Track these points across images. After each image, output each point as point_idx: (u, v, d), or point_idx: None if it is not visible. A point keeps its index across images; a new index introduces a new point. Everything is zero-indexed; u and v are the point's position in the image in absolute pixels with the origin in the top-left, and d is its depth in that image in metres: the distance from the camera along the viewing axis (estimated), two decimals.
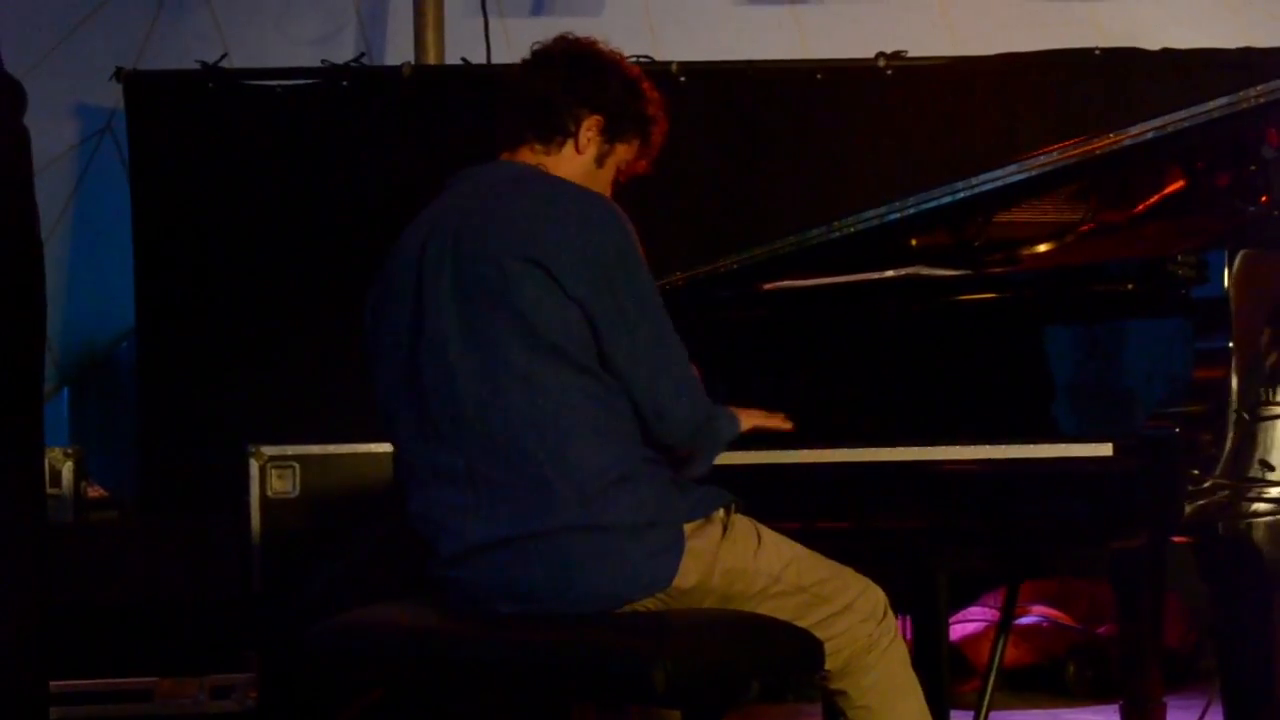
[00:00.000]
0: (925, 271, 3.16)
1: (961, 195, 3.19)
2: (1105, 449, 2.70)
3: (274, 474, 4.39)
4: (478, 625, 2.59)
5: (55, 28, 5.63)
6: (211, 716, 4.35)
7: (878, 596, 2.72)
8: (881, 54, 5.45)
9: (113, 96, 5.54)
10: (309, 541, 4.36)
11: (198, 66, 5.45)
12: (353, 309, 2.87)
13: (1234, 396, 2.73)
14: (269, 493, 4.39)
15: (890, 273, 3.17)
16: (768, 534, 2.70)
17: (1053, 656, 4.88)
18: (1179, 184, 3.31)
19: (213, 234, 5.41)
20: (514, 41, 5.52)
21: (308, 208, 5.41)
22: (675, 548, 2.57)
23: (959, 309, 3.13)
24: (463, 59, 5.60)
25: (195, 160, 5.44)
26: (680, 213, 5.35)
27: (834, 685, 2.70)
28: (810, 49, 5.68)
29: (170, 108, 5.45)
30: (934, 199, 3.21)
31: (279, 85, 5.50)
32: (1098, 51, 5.43)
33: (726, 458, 2.78)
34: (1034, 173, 3.13)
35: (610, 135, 2.80)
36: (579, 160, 2.79)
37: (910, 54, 5.47)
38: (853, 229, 3.29)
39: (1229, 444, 2.72)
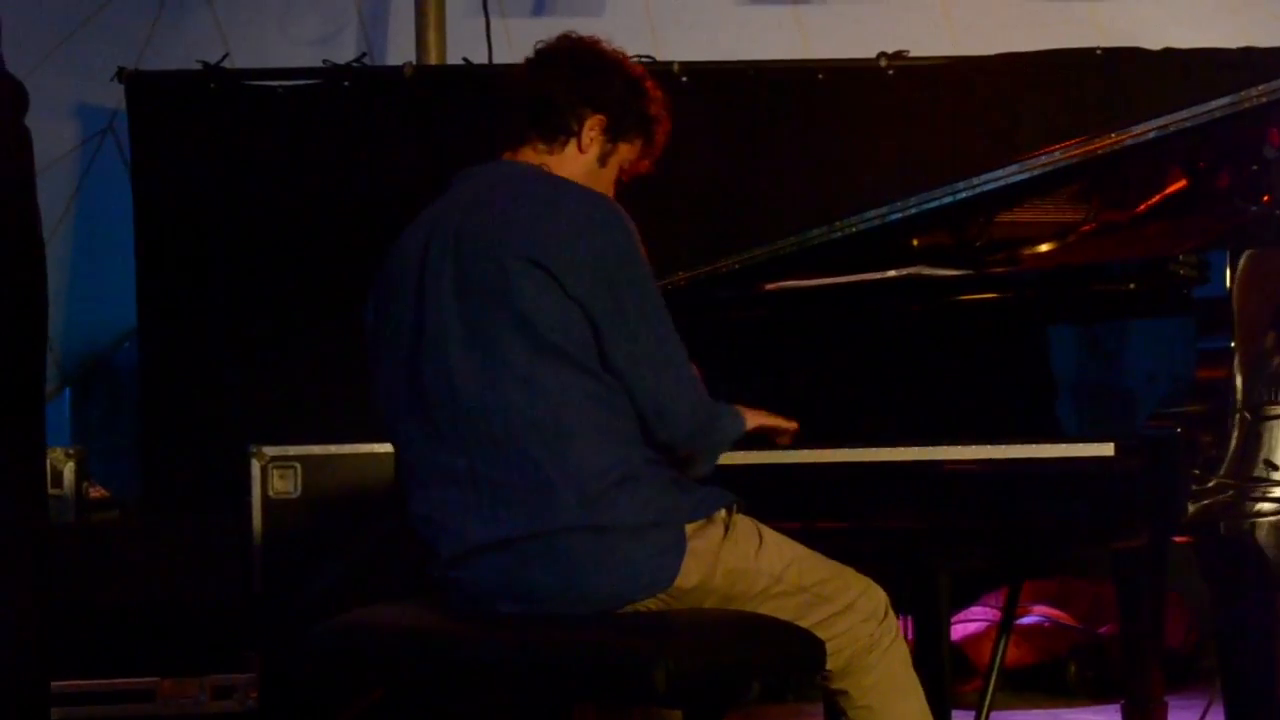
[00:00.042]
0: (927, 271, 3.16)
1: (963, 195, 3.18)
2: (1107, 449, 2.70)
3: (275, 474, 4.39)
4: (478, 625, 2.59)
5: (57, 28, 5.63)
6: (212, 716, 4.35)
7: (879, 596, 2.72)
8: (883, 54, 5.45)
9: (114, 97, 5.55)
10: (310, 542, 4.36)
11: (199, 67, 5.45)
12: (354, 309, 2.87)
13: (1238, 396, 2.73)
14: (270, 493, 4.39)
15: (892, 273, 3.17)
16: (769, 534, 2.70)
17: (1054, 656, 4.87)
18: (1180, 184, 3.31)
19: (214, 234, 5.41)
20: (515, 41, 5.52)
21: (309, 208, 5.41)
22: (677, 548, 2.57)
23: (961, 309, 3.13)
24: (464, 59, 5.60)
25: (197, 161, 5.44)
26: (682, 213, 5.35)
27: (835, 685, 2.70)
28: (812, 49, 5.68)
29: (172, 108, 5.45)
30: (935, 199, 3.21)
31: (280, 85, 5.50)
32: (1099, 51, 5.43)
33: (727, 458, 2.78)
34: (1035, 173, 3.12)
35: (613, 135, 2.80)
36: (582, 160, 2.78)
37: (912, 54, 5.47)
38: (854, 229, 3.29)
39: (1233, 444, 2.72)
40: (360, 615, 2.73)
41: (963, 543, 3.07)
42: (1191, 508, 2.68)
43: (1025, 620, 4.91)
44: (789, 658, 2.60)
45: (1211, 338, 2.78)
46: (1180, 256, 2.82)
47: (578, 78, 2.77)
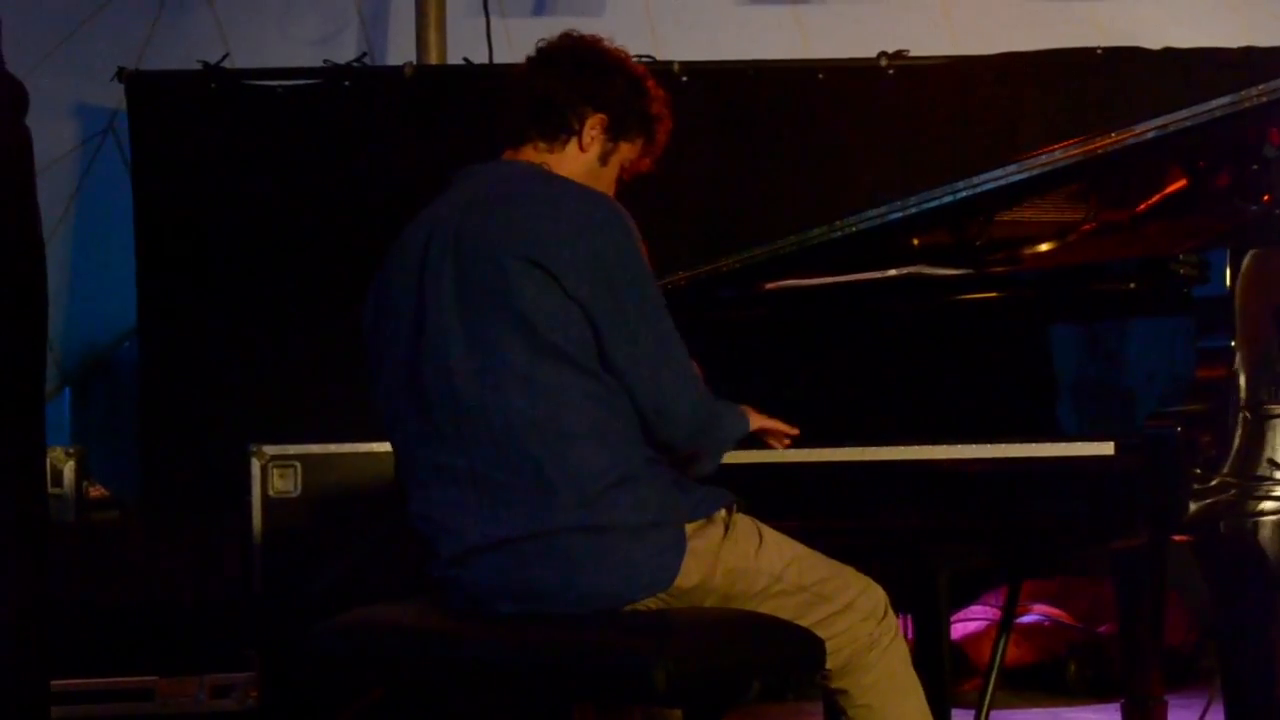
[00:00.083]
0: (927, 271, 3.16)
1: (963, 195, 3.18)
2: (1107, 448, 2.70)
3: (275, 473, 4.39)
4: (478, 625, 2.59)
5: (57, 28, 5.63)
6: (212, 716, 4.35)
7: (878, 595, 2.72)
8: (883, 54, 5.46)
9: (114, 97, 5.55)
10: (310, 541, 4.36)
11: (199, 67, 5.45)
12: (353, 309, 2.87)
13: (1241, 395, 2.73)
14: (270, 492, 4.39)
15: (892, 272, 3.17)
16: (769, 533, 2.70)
17: (1054, 655, 4.88)
18: (1180, 183, 3.31)
19: (214, 234, 5.41)
20: (516, 41, 5.52)
21: (309, 208, 5.41)
22: (676, 548, 2.57)
23: (961, 308, 3.13)
24: (464, 59, 5.60)
25: (197, 160, 5.44)
26: (682, 212, 5.35)
27: (835, 684, 2.70)
28: (812, 49, 5.68)
29: (172, 108, 5.45)
30: (936, 198, 3.21)
31: (281, 85, 5.50)
32: (1099, 51, 5.43)
33: (727, 457, 2.78)
34: (1035, 172, 3.12)
35: (614, 134, 2.79)
36: (582, 159, 2.78)
37: (912, 53, 5.47)
38: (854, 228, 3.29)
39: (1236, 442, 2.72)
40: (360, 614, 2.73)
41: (962, 541, 3.07)
42: (1194, 506, 2.68)
43: (1025, 619, 4.92)
44: (789, 657, 2.60)
45: (1211, 337, 2.78)
46: (1180, 256, 2.82)
47: (579, 77, 2.77)
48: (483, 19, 5.64)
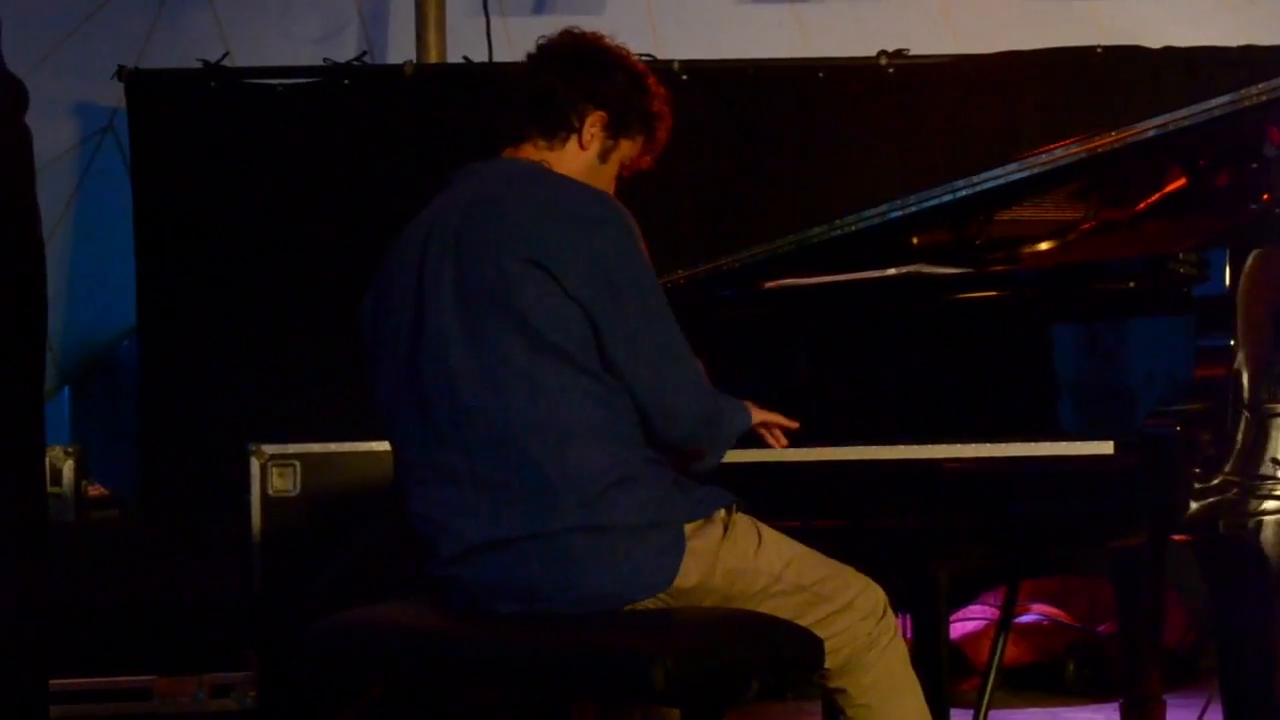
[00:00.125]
0: (927, 270, 3.16)
1: (963, 193, 3.18)
2: (1106, 447, 2.70)
3: (275, 472, 4.38)
4: (477, 624, 2.59)
5: (57, 27, 5.63)
6: (211, 715, 4.35)
7: (877, 595, 2.72)
8: (883, 52, 5.46)
9: (114, 95, 5.55)
10: (310, 540, 4.36)
11: (199, 65, 5.45)
12: (353, 308, 2.87)
13: (1244, 394, 2.73)
14: (270, 491, 4.38)
15: (892, 271, 3.16)
16: (768, 533, 2.69)
17: (1052, 655, 4.88)
18: (1180, 182, 3.31)
19: (214, 233, 5.41)
20: (516, 40, 5.52)
21: (309, 207, 5.41)
22: (676, 548, 2.56)
23: (960, 307, 3.13)
24: (464, 58, 5.60)
25: (197, 159, 5.44)
26: (681, 211, 5.35)
27: (834, 683, 2.69)
28: (812, 47, 5.68)
29: (172, 107, 5.45)
30: (935, 197, 3.21)
31: (280, 84, 5.50)
32: (1099, 50, 5.43)
33: (726, 456, 2.78)
34: (1035, 171, 3.12)
35: (614, 131, 2.79)
36: (582, 156, 2.78)
37: (912, 52, 5.47)
38: (854, 227, 3.29)
39: (1239, 441, 2.72)
40: (360, 614, 2.73)
41: (961, 541, 3.07)
42: (1195, 505, 2.68)
43: (1024, 619, 4.91)
44: (787, 656, 2.60)
45: (1211, 336, 2.78)
46: (1180, 255, 2.82)
47: (579, 74, 2.76)
48: (482, 18, 5.64)
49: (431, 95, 5.47)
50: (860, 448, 2.96)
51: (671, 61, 5.38)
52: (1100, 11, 5.71)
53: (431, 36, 5.68)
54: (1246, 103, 2.93)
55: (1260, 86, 2.93)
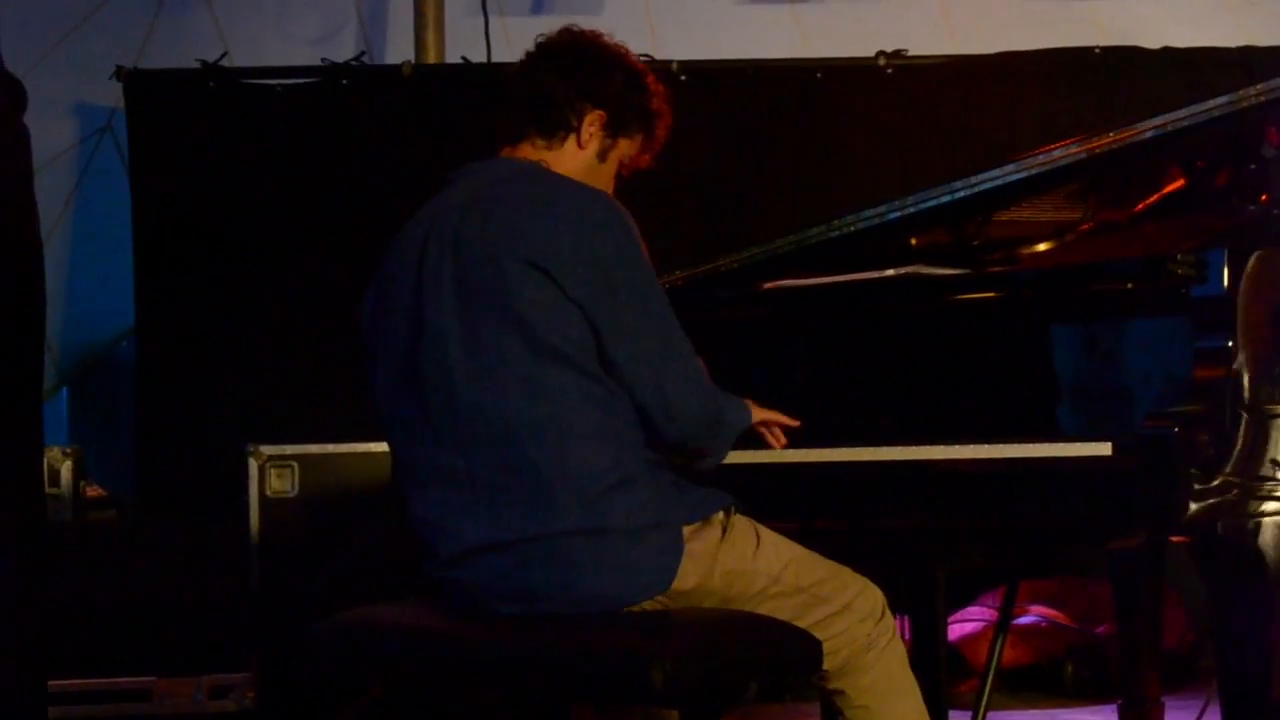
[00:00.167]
0: (925, 270, 3.15)
1: (961, 194, 3.18)
2: (1104, 448, 2.70)
3: (273, 473, 4.38)
4: (476, 625, 2.59)
5: (55, 26, 5.63)
6: (210, 716, 4.35)
7: (876, 596, 2.72)
8: (882, 53, 5.45)
9: (113, 95, 5.54)
10: (308, 541, 4.36)
11: (198, 65, 5.45)
12: (352, 309, 2.87)
13: (1245, 395, 2.73)
14: (268, 492, 4.38)
15: (890, 272, 3.16)
16: (767, 534, 2.69)
17: (1051, 656, 4.87)
18: (1179, 183, 3.30)
19: (213, 233, 5.41)
20: (514, 40, 5.50)
21: (308, 207, 5.41)
22: (674, 550, 2.56)
23: (958, 308, 3.13)
24: (463, 58, 5.60)
25: (195, 159, 5.44)
26: (680, 212, 5.34)
27: (832, 685, 2.69)
28: (810, 48, 5.68)
29: (170, 107, 5.45)
30: (934, 198, 3.21)
31: (279, 84, 5.49)
32: (1098, 50, 5.43)
33: (726, 457, 2.77)
34: (1033, 172, 3.12)
35: (613, 130, 2.78)
36: (581, 156, 2.77)
37: (911, 53, 5.47)
38: (852, 228, 3.28)
39: (1239, 442, 2.72)
40: (358, 614, 2.72)
41: (960, 542, 3.07)
42: (1195, 506, 2.68)
43: (1022, 620, 4.91)
44: (786, 657, 2.60)
45: (1209, 337, 2.78)
46: (1178, 256, 2.82)
47: (578, 73, 2.75)
48: (481, 18, 5.64)
49: (430, 95, 5.46)
50: (858, 449, 2.95)
51: (670, 62, 5.38)
52: (1099, 12, 5.71)
53: (430, 37, 5.68)
54: (1245, 103, 2.94)
55: (1259, 87, 2.93)
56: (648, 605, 2.57)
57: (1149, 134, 3.01)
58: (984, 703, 3.52)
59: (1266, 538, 2.72)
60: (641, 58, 2.94)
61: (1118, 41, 5.48)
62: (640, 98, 2.80)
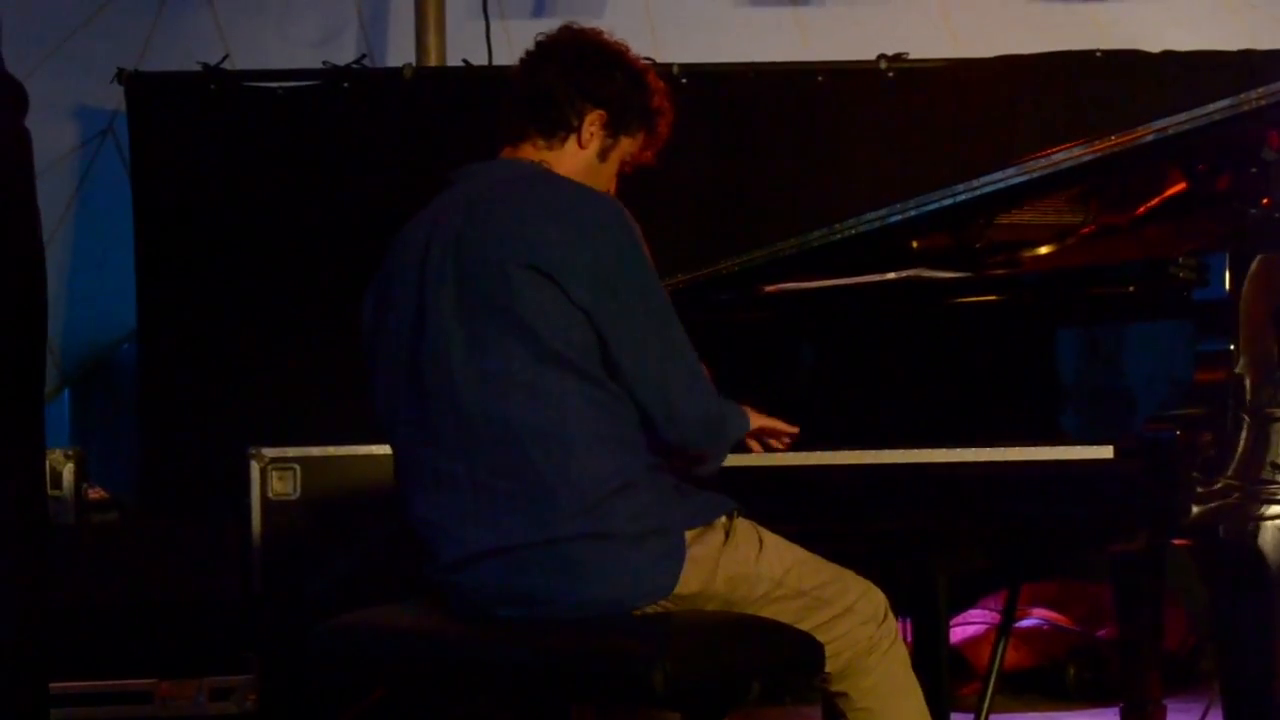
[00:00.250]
0: (926, 274, 3.16)
1: (963, 198, 3.18)
2: (1106, 451, 2.70)
3: (275, 476, 4.38)
4: (478, 627, 2.59)
5: (56, 29, 5.63)
6: (211, 718, 4.35)
7: (878, 599, 2.72)
8: (883, 56, 5.46)
9: (114, 98, 5.55)
10: (310, 543, 4.36)
11: (199, 68, 5.45)
12: (353, 311, 2.87)
13: (1246, 398, 2.73)
14: (270, 494, 4.38)
15: (891, 275, 3.16)
16: (769, 538, 2.69)
17: (1053, 659, 4.87)
18: (1180, 186, 3.31)
19: (214, 235, 5.41)
20: (515, 43, 5.49)
21: (309, 209, 5.41)
22: (676, 555, 2.56)
23: (960, 311, 3.13)
24: (464, 61, 5.60)
25: (197, 162, 5.44)
26: (681, 215, 5.35)
27: (834, 687, 2.69)
28: (811, 51, 5.68)
29: (171, 109, 5.45)
30: (935, 201, 3.21)
31: (280, 87, 5.50)
32: (1099, 54, 5.43)
33: (727, 460, 2.78)
34: (1035, 175, 3.12)
35: (614, 129, 2.77)
36: (582, 155, 2.76)
37: (911, 56, 5.47)
38: (854, 231, 3.28)
39: (1241, 446, 2.72)
40: (360, 617, 2.72)
41: (962, 545, 3.07)
42: (1196, 510, 2.68)
43: (1024, 623, 4.91)
44: (788, 660, 2.60)
45: (1211, 340, 2.78)
46: (1179, 259, 2.82)
47: (578, 72, 2.74)
48: (482, 21, 5.65)
49: (431, 98, 5.47)
50: (860, 452, 2.95)
51: (671, 64, 5.38)
52: (1100, 15, 5.71)
53: (431, 39, 5.68)
54: (1246, 107, 2.93)
55: (1260, 91, 2.93)
56: (650, 610, 2.57)
57: (1150, 137, 3.01)
58: (986, 705, 3.52)
59: (1268, 540, 2.72)
60: (642, 60, 2.94)
61: (1119, 44, 5.48)
62: (641, 96, 2.79)
